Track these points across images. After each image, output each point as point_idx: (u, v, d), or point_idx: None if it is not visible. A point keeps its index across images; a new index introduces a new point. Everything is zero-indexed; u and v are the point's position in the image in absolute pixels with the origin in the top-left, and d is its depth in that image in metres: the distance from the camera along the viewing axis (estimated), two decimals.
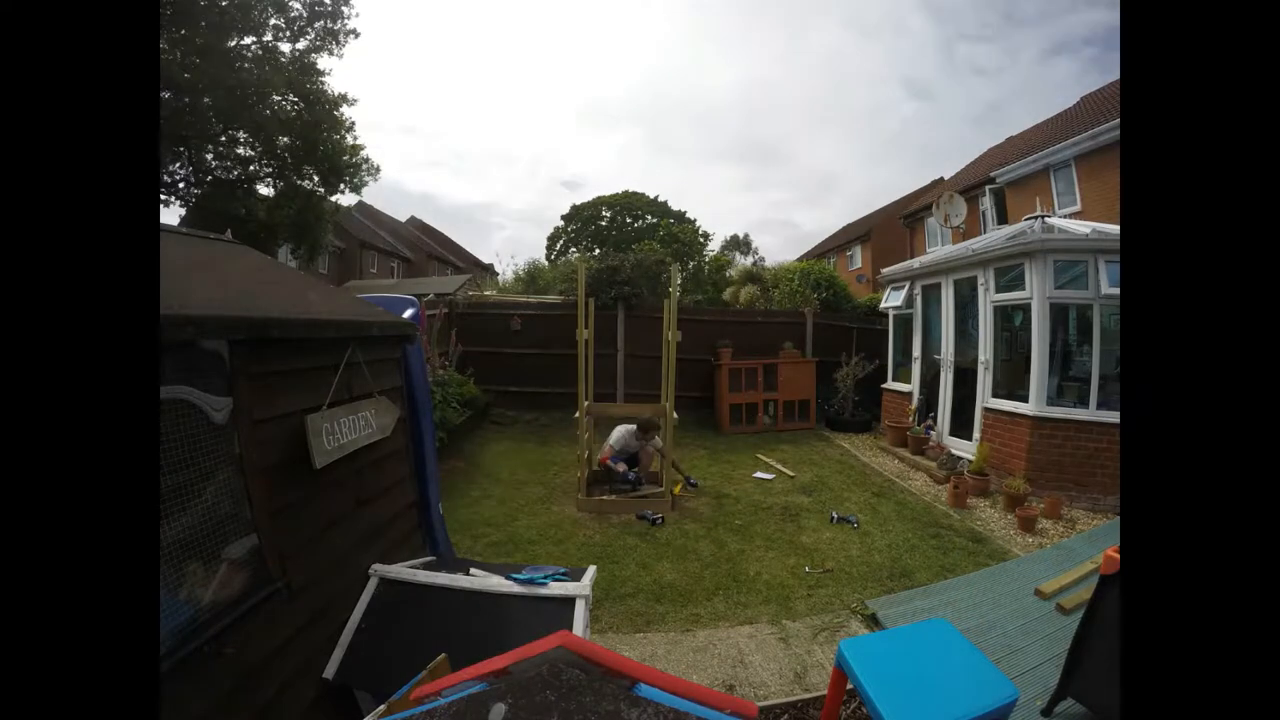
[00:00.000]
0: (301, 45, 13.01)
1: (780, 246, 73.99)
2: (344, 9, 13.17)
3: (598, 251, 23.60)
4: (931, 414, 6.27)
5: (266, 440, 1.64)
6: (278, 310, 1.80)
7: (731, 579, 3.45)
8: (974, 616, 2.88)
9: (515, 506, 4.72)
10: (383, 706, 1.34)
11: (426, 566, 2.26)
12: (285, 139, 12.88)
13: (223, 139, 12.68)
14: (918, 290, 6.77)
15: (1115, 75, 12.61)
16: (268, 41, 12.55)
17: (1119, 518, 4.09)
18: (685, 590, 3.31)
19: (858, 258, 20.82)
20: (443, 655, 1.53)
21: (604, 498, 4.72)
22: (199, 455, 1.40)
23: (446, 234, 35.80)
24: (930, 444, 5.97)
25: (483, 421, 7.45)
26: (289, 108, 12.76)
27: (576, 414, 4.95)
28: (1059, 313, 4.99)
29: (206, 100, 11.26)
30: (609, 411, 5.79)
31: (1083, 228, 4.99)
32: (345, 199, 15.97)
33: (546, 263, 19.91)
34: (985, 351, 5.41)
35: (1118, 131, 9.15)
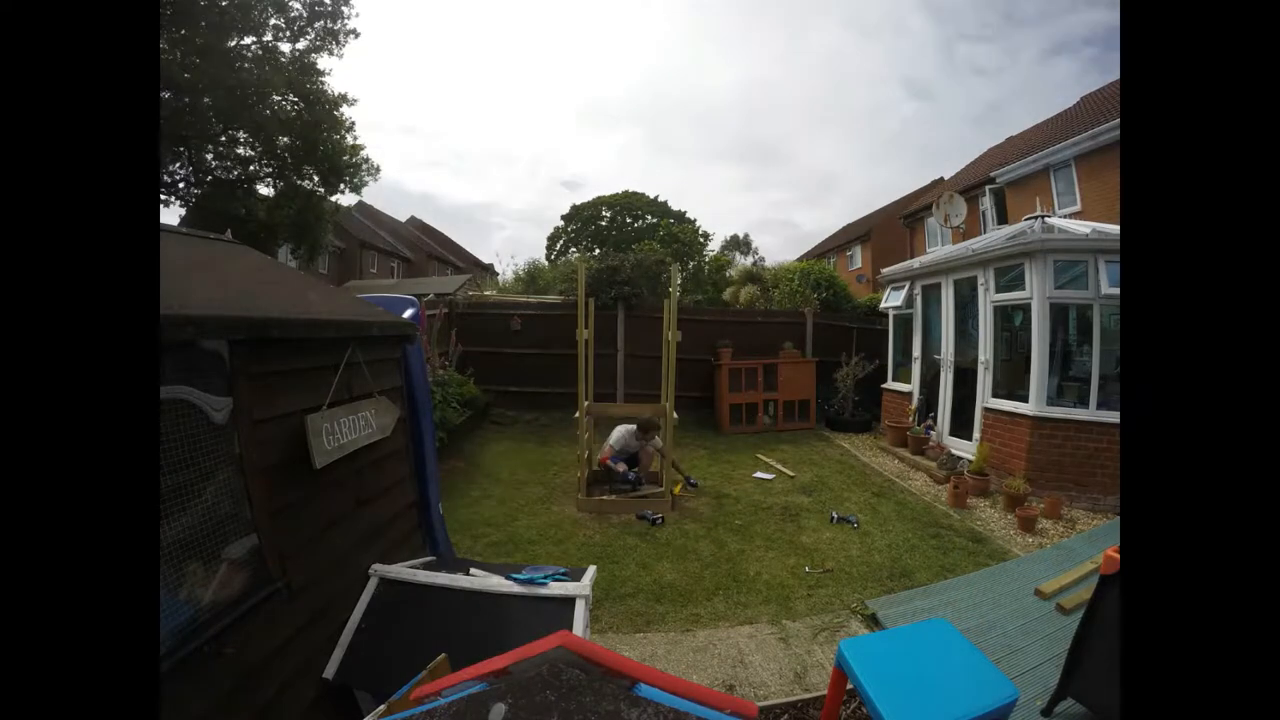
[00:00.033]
0: (301, 45, 13.03)
1: (780, 246, 74.09)
2: (344, 9, 13.18)
3: (598, 251, 23.61)
4: (931, 414, 6.27)
5: (266, 440, 1.64)
6: (278, 310, 1.80)
7: (731, 579, 3.45)
8: (974, 616, 2.88)
9: (515, 506, 4.72)
10: (383, 706, 1.34)
11: (426, 566, 2.26)
12: (285, 139, 12.88)
13: (223, 139, 12.68)
14: (918, 290, 6.77)
15: (1115, 75, 12.62)
16: (268, 41, 12.55)
17: (1119, 518, 4.09)
18: (685, 590, 3.31)
19: (858, 258, 20.82)
20: (443, 655, 1.53)
21: (604, 498, 4.72)
22: (199, 455, 1.40)
23: (446, 234, 35.81)
24: (930, 444, 5.97)
25: (483, 421, 7.45)
26: (289, 108, 12.76)
27: (576, 414, 4.95)
28: (1059, 313, 4.99)
29: (206, 100, 11.26)
30: (609, 411, 5.78)
31: (1083, 228, 4.99)
32: (345, 199, 15.99)
33: (546, 263, 19.92)
34: (985, 351, 5.41)
35: (1118, 131, 9.16)
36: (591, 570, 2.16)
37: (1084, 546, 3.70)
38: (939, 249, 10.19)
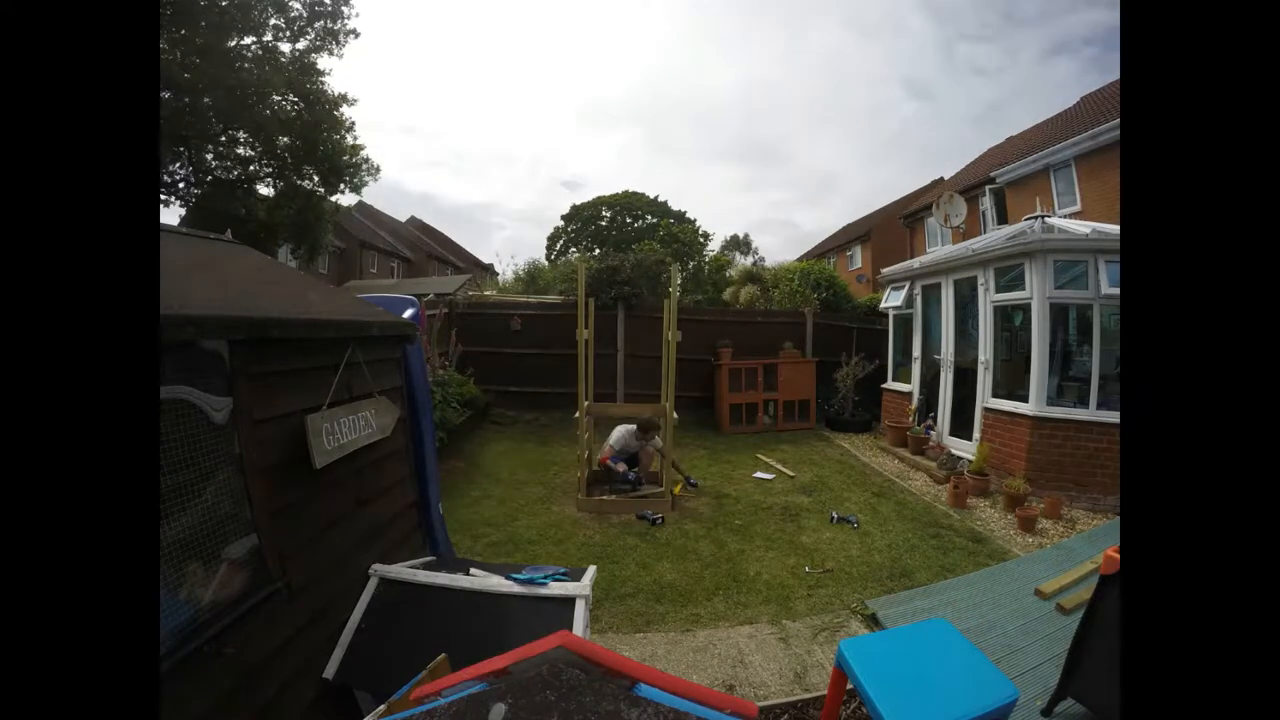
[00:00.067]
0: (301, 45, 13.03)
1: (780, 246, 74.08)
2: (344, 9, 13.18)
3: (598, 251, 23.61)
4: (931, 414, 6.27)
5: (266, 440, 1.64)
6: (278, 310, 1.80)
7: (731, 579, 3.45)
8: (974, 616, 2.88)
9: (515, 506, 4.72)
10: (383, 706, 1.34)
11: (426, 566, 2.26)
12: (285, 139, 12.88)
13: (223, 139, 12.68)
14: (918, 290, 6.77)
15: (1115, 75, 12.62)
16: (268, 41, 12.55)
17: (1119, 518, 4.09)
18: (685, 590, 3.31)
19: (858, 258, 20.82)
20: (443, 655, 1.53)
21: (604, 498, 4.72)
22: (199, 455, 1.40)
23: (446, 234, 35.81)
24: (930, 444, 5.97)
25: (483, 421, 7.45)
26: (289, 108, 12.76)
27: (576, 414, 4.95)
28: (1059, 313, 4.99)
29: (206, 100, 11.26)
30: (609, 411, 5.78)
31: (1083, 228, 4.99)
32: (345, 199, 15.99)
33: (546, 263, 19.92)
34: (985, 351, 5.41)
35: (1118, 131, 9.16)
36: (591, 570, 2.16)
37: (1084, 546, 3.70)
38: (939, 249, 10.19)
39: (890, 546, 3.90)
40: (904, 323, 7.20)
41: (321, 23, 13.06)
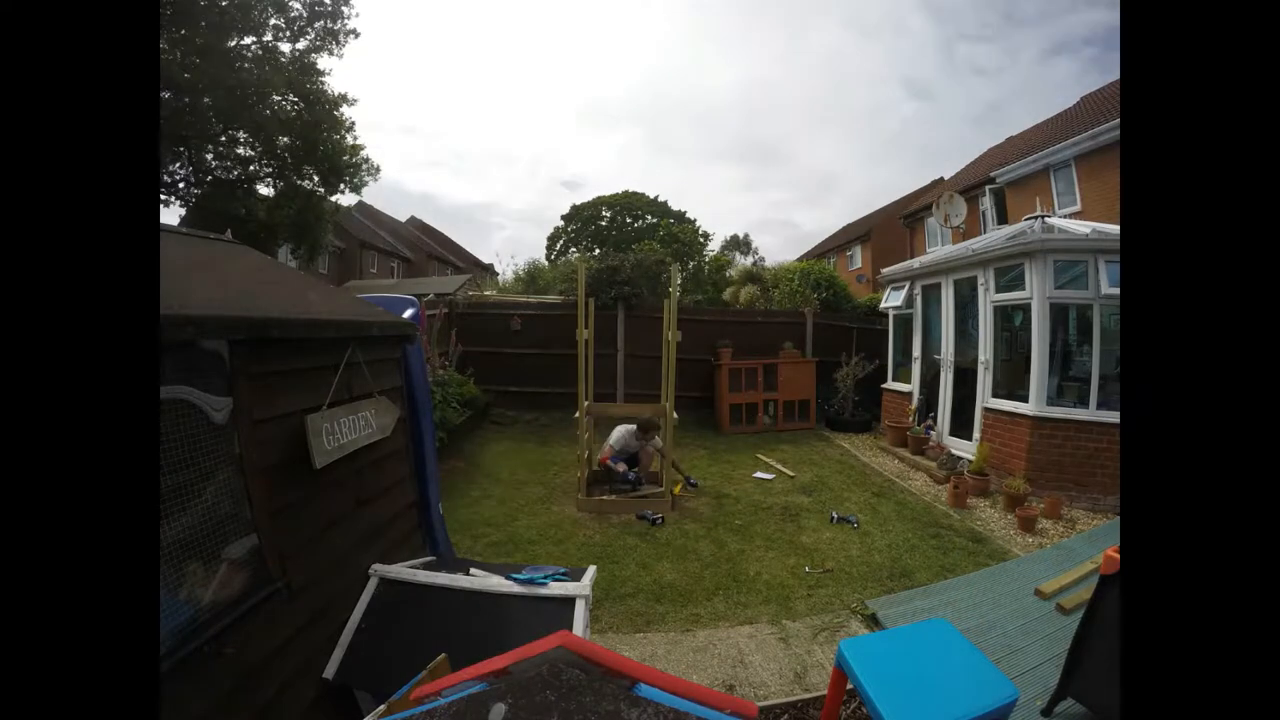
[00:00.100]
0: (301, 45, 13.03)
1: (780, 246, 74.07)
2: (344, 9, 13.18)
3: (598, 251, 23.61)
4: (931, 414, 6.27)
5: (266, 440, 1.64)
6: (278, 310, 1.80)
7: (731, 579, 3.45)
8: (974, 616, 2.88)
9: (515, 506, 4.72)
10: (383, 706, 1.34)
11: (426, 566, 2.26)
12: (285, 139, 12.88)
13: (223, 139, 12.68)
14: (918, 290, 6.77)
15: (1115, 75, 12.62)
16: (268, 41, 12.55)
17: (1119, 518, 4.09)
18: (685, 590, 3.31)
19: (858, 258, 20.82)
20: (443, 655, 1.53)
21: (604, 498, 4.72)
22: (199, 455, 1.40)
23: (446, 234, 35.81)
24: (930, 444, 5.97)
25: (483, 421, 7.45)
26: (289, 108, 12.76)
27: (576, 414, 4.95)
28: (1059, 313, 4.99)
29: (206, 100, 11.26)
30: (609, 411, 5.78)
31: (1083, 228, 4.99)
32: (345, 199, 15.98)
33: (546, 263, 19.92)
34: (985, 351, 5.41)
35: (1118, 131, 9.16)
36: (591, 570, 2.16)
37: (1084, 546, 3.70)
38: (939, 249, 10.19)
39: (890, 546, 3.89)
40: (904, 323, 7.20)
41: (321, 23, 13.06)
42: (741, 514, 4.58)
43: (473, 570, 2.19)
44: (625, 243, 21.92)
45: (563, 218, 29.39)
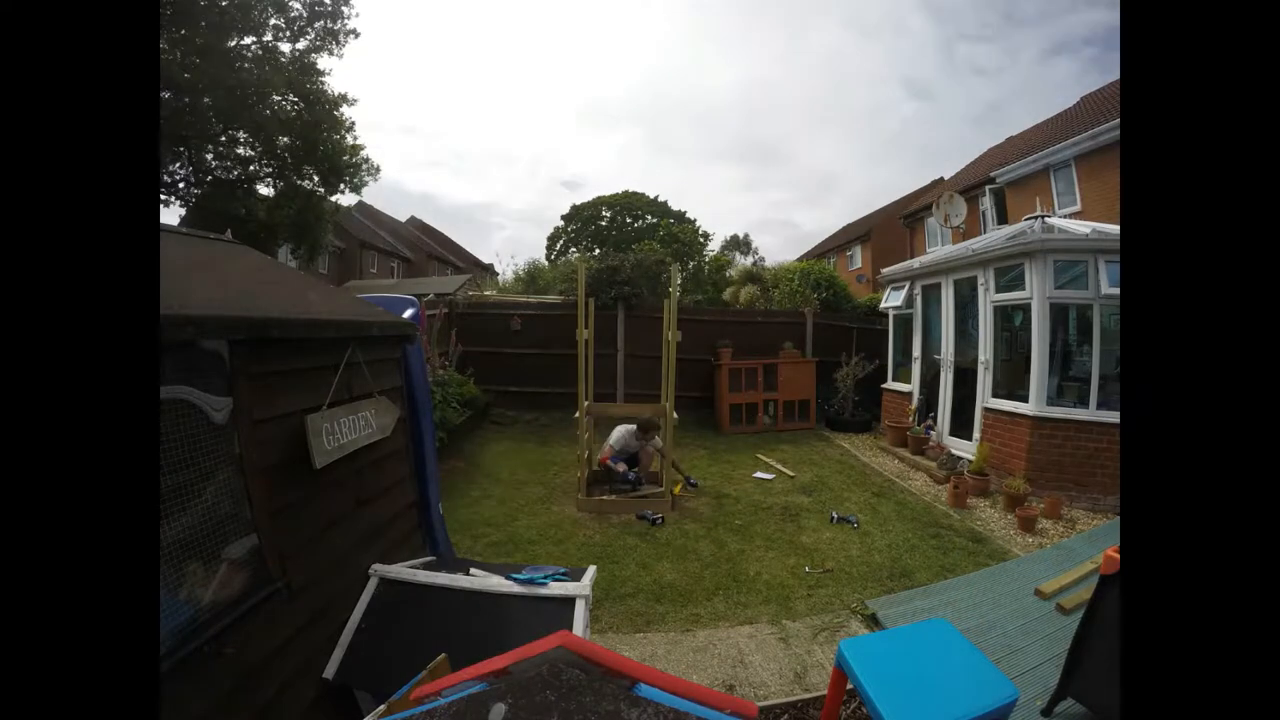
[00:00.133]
0: (301, 45, 13.03)
1: (780, 246, 74.09)
2: (344, 9, 13.18)
3: (598, 251, 23.61)
4: (931, 414, 6.27)
5: (266, 440, 1.64)
6: (278, 310, 1.80)
7: (731, 579, 3.45)
8: (974, 616, 2.88)
9: (515, 506, 4.72)
10: (383, 706, 1.34)
11: (426, 566, 2.26)
12: (285, 139, 12.88)
13: (223, 139, 12.68)
14: (918, 290, 6.77)
15: (1115, 75, 12.62)
16: (268, 41, 12.55)
17: (1119, 518, 4.09)
18: (685, 590, 3.31)
19: (858, 258, 20.82)
20: (443, 655, 1.53)
21: (604, 498, 4.72)
22: (199, 455, 1.40)
23: (446, 234, 35.81)
24: (930, 444, 5.97)
25: (483, 421, 7.45)
26: (289, 108, 12.76)
27: (576, 414, 4.95)
28: (1059, 313, 4.99)
29: (206, 100, 11.26)
30: (609, 411, 5.78)
31: (1083, 228, 4.99)
32: (345, 199, 15.99)
33: (546, 263, 19.92)
34: (985, 351, 5.41)
35: (1118, 131, 9.16)
36: (591, 570, 2.16)
37: (1084, 546, 3.70)
38: (939, 249, 10.19)
39: (890, 546, 3.89)
40: (904, 323, 7.20)
41: (321, 23, 13.06)
42: (741, 514, 4.58)
43: (473, 570, 2.19)
44: (625, 243, 21.92)
45: (563, 218, 29.42)
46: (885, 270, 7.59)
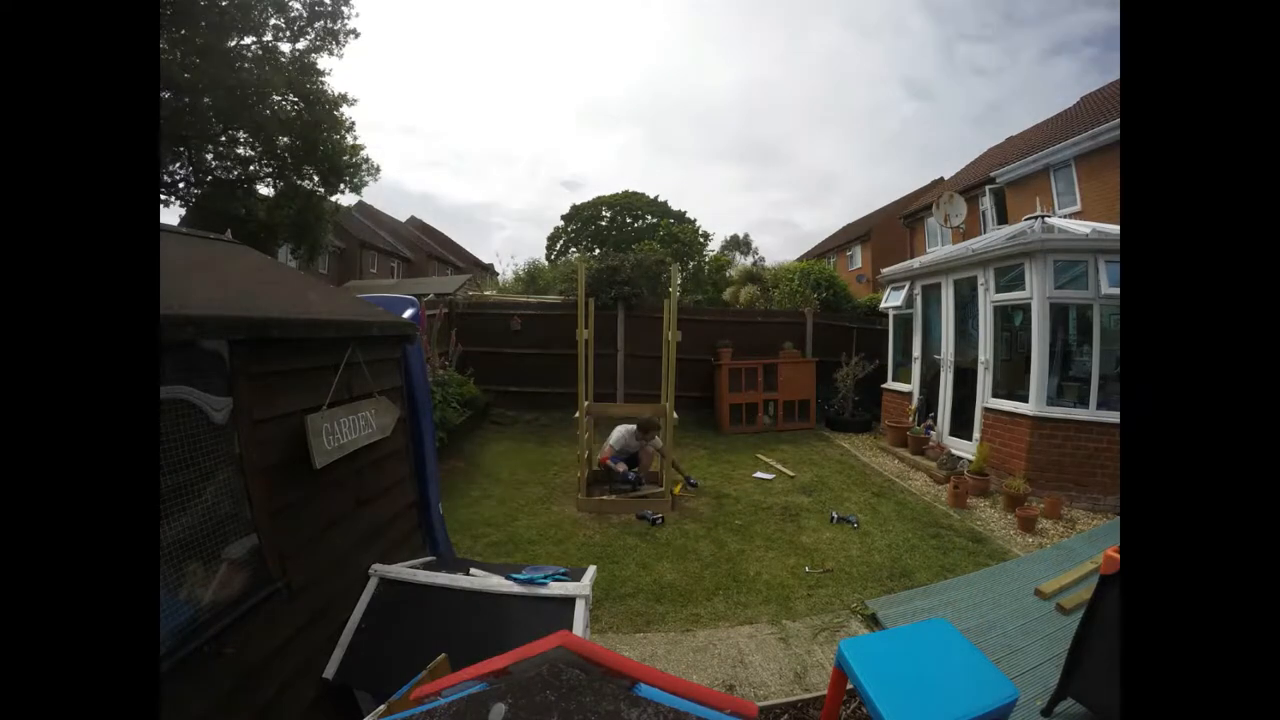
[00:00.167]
0: (301, 45, 13.03)
1: (780, 246, 74.08)
2: (344, 9, 13.18)
3: (598, 251, 23.61)
4: (931, 414, 6.27)
5: (266, 440, 1.64)
6: (278, 310, 1.80)
7: (731, 579, 3.45)
8: (974, 616, 2.88)
9: (515, 506, 4.72)
10: (383, 706, 1.34)
11: (426, 566, 2.26)
12: (285, 139, 12.88)
13: (223, 139, 12.68)
14: (918, 290, 6.77)
15: (1115, 75, 12.62)
16: (268, 41, 12.55)
17: (1119, 518, 4.09)
18: (685, 590, 3.31)
19: (858, 258, 20.82)
20: (443, 655, 1.53)
21: (604, 498, 4.72)
22: (199, 455, 1.40)
23: (446, 234, 35.81)
24: (930, 444, 5.97)
25: (483, 421, 7.45)
26: (289, 108, 12.76)
27: (576, 414, 4.95)
28: (1059, 313, 4.99)
29: (206, 100, 11.26)
30: (609, 411, 5.78)
31: (1083, 228, 4.99)
32: (345, 199, 15.99)
33: (546, 263, 19.92)
34: (985, 351, 5.41)
35: (1118, 131, 9.16)
36: (591, 570, 2.16)
37: (1084, 546, 3.70)
38: (939, 249, 10.19)
39: (890, 546, 3.89)
40: (904, 323, 7.20)
41: (321, 23, 13.06)
42: (741, 514, 4.58)
43: (473, 570, 2.19)
44: (625, 243, 21.92)
45: (563, 218, 29.42)
46: (885, 270, 7.59)
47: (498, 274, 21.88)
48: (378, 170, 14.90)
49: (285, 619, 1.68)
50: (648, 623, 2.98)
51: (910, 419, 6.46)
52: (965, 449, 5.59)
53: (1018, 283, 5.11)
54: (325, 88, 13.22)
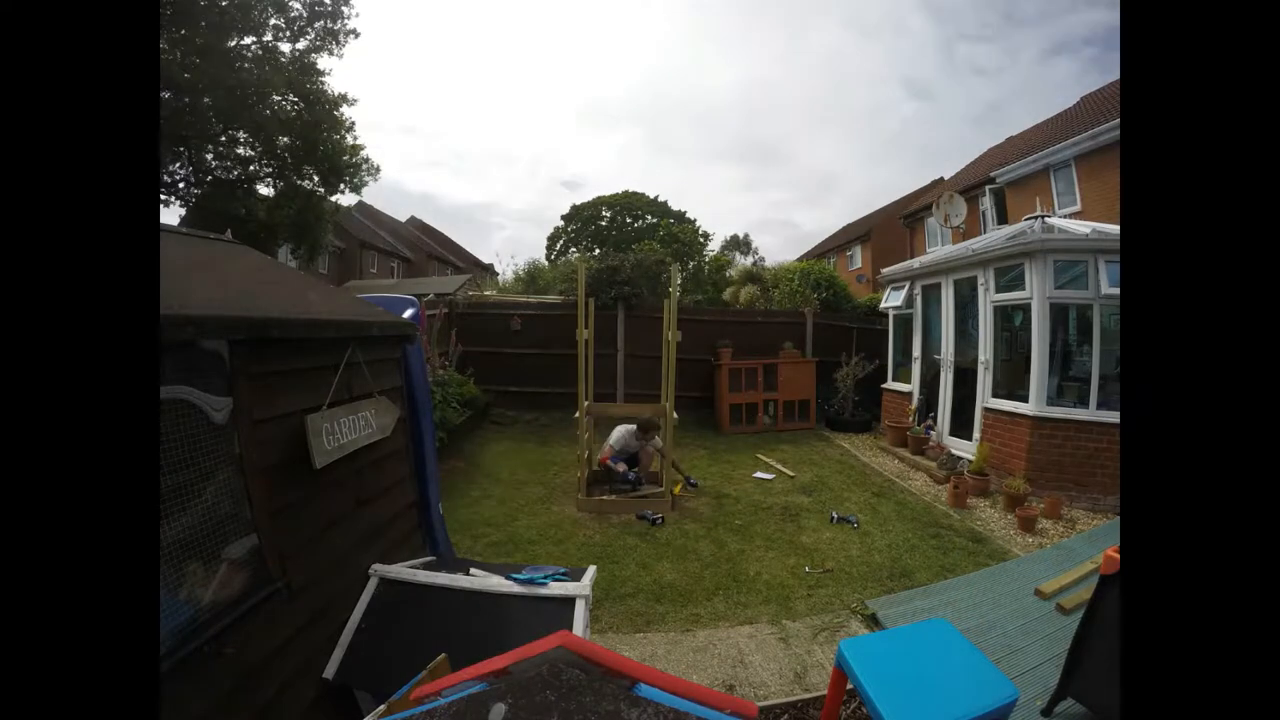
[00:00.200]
0: (301, 45, 13.03)
1: (780, 246, 74.08)
2: (344, 9, 13.18)
3: (598, 251, 23.61)
4: (931, 414, 6.27)
5: (266, 440, 1.64)
6: (278, 310, 1.80)
7: (731, 579, 3.45)
8: (974, 616, 2.88)
9: (515, 506, 4.72)
10: (383, 706, 1.34)
11: (426, 566, 2.26)
12: (285, 139, 12.88)
13: (223, 139, 12.68)
14: (918, 290, 6.77)
15: (1115, 75, 12.62)
16: (268, 41, 12.55)
17: (1119, 518, 4.09)
18: (685, 590, 3.31)
19: (858, 258, 20.82)
20: (443, 655, 1.53)
21: (604, 498, 4.72)
22: (199, 455, 1.40)
23: (446, 234, 35.81)
24: (930, 444, 5.97)
25: (483, 421, 7.45)
26: (289, 108, 12.76)
27: (576, 414, 4.95)
28: (1059, 313, 4.99)
29: (206, 100, 11.26)
30: (609, 411, 5.78)
31: (1083, 228, 4.99)
32: (345, 199, 15.99)
33: (546, 263, 19.92)
34: (985, 351, 5.41)
35: (1118, 131, 9.16)
36: (591, 570, 2.16)
37: (1084, 546, 3.70)
38: (939, 249, 10.19)
39: (890, 546, 3.89)
40: (904, 323, 7.20)
41: (321, 23, 13.06)
42: (741, 514, 4.58)
43: (473, 570, 2.19)
44: (625, 243, 21.92)
45: (563, 218, 29.42)
46: (885, 270, 7.59)
47: (498, 274, 21.90)
48: (378, 170, 14.92)
49: (285, 619, 1.68)
50: (648, 623, 2.98)
51: (910, 419, 6.46)
52: (965, 449, 5.59)
53: (1018, 283, 5.11)
54: (325, 88, 13.23)
